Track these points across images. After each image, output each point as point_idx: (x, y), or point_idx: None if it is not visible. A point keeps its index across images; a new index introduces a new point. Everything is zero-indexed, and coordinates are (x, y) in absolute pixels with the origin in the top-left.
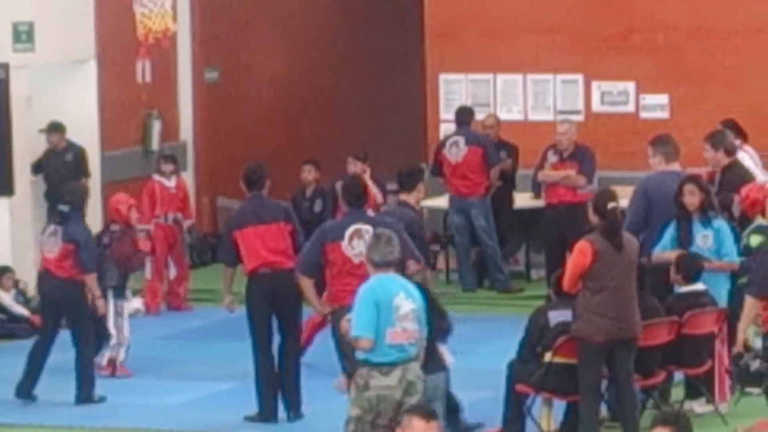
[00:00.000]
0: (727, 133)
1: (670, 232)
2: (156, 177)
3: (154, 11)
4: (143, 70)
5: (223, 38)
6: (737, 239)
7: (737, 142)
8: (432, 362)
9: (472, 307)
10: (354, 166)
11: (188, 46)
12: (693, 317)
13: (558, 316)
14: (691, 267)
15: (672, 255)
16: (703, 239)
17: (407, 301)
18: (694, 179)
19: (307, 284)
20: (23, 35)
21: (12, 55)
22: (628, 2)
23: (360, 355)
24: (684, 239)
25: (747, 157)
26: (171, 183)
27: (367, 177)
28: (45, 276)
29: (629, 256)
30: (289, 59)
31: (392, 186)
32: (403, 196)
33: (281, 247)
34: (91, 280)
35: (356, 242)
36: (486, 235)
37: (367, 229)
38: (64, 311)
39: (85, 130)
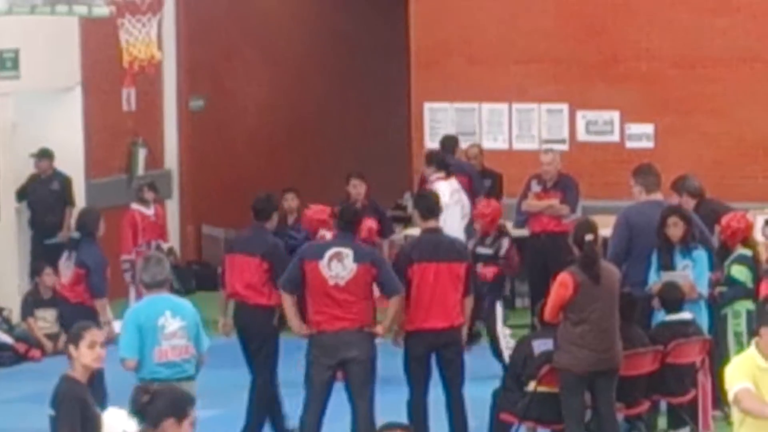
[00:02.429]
0: (689, 176)
1: (653, 263)
2: (134, 206)
3: (139, 39)
4: (128, 97)
5: (209, 66)
6: (711, 267)
7: (440, 173)
8: None
9: None
10: (361, 187)
11: (173, 75)
12: (678, 346)
13: (542, 345)
14: (672, 296)
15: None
16: (683, 269)
17: (174, 319)
18: (677, 210)
19: (288, 301)
20: (8, 62)
21: None
22: (612, 32)
23: (136, 374)
24: (666, 269)
25: (446, 185)
26: (150, 211)
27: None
28: (60, 301)
29: (609, 287)
30: (274, 88)
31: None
32: None
33: (253, 281)
34: (101, 305)
35: (334, 264)
36: None
37: (347, 252)
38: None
39: (70, 158)
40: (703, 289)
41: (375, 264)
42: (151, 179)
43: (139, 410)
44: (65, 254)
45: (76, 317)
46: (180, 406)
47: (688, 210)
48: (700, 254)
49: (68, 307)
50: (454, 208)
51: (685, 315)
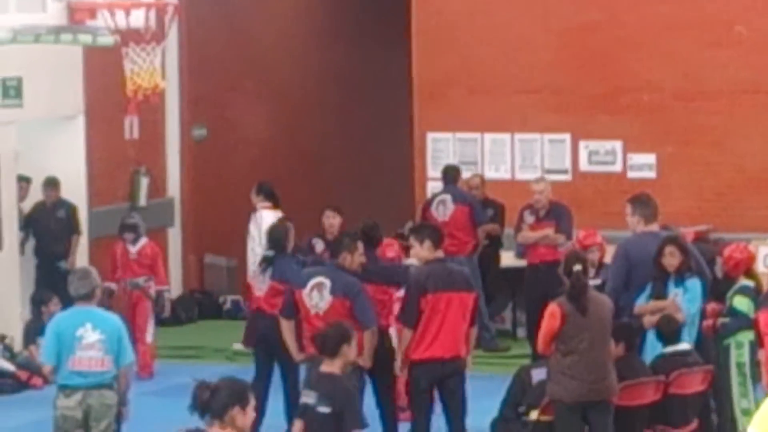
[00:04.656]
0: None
1: (645, 292)
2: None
3: (143, 68)
4: (131, 126)
5: (211, 97)
6: (705, 297)
7: (267, 203)
8: None
9: None
10: (334, 219)
11: (176, 104)
12: (680, 376)
13: (541, 374)
14: (669, 327)
15: (649, 308)
16: (673, 297)
17: (94, 332)
18: (675, 240)
19: (285, 326)
20: (11, 90)
21: (0, 110)
22: (614, 63)
23: (55, 379)
24: (657, 299)
25: (271, 215)
26: (134, 248)
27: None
28: (258, 315)
29: (599, 318)
30: (276, 118)
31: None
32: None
33: None
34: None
35: (315, 294)
36: None
37: (327, 283)
38: (275, 347)
39: (73, 186)
40: (690, 313)
41: (349, 297)
42: (134, 220)
43: (202, 406)
44: (258, 270)
45: (274, 327)
46: (242, 394)
47: (686, 241)
48: (694, 282)
49: (264, 319)
50: None
51: (684, 345)
